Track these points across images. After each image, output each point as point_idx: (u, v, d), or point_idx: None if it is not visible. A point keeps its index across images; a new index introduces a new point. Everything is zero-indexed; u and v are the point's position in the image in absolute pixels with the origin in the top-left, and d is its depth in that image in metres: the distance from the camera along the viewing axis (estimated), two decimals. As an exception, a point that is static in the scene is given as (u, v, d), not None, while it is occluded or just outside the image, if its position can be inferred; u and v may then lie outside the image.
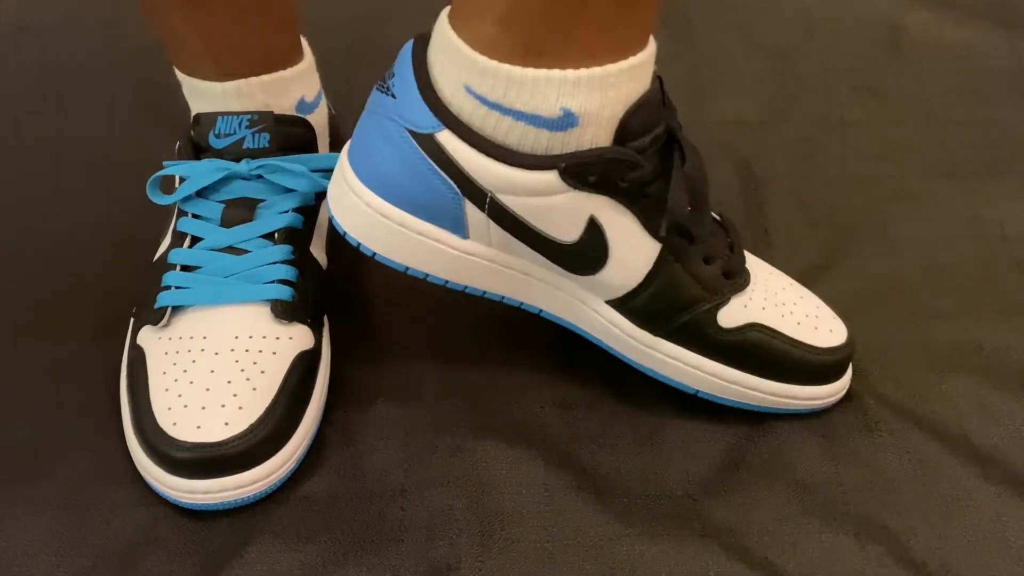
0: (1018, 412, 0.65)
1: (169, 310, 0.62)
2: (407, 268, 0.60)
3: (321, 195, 0.67)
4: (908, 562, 0.58)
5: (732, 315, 0.62)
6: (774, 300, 0.64)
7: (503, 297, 0.63)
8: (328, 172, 0.64)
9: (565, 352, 0.68)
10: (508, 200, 0.56)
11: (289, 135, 0.65)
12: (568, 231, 0.58)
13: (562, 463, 0.63)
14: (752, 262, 0.65)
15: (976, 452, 0.63)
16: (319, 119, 0.70)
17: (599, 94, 0.53)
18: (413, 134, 0.56)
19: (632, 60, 0.53)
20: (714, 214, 0.63)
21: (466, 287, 0.62)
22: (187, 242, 0.65)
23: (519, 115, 0.54)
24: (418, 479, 0.62)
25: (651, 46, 0.55)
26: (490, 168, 0.55)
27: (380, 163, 0.58)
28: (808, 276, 0.70)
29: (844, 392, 0.65)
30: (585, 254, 0.59)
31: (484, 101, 0.54)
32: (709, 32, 0.92)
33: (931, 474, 0.62)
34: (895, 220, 0.76)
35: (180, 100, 0.69)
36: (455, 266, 0.60)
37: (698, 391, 0.64)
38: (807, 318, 0.64)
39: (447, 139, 0.55)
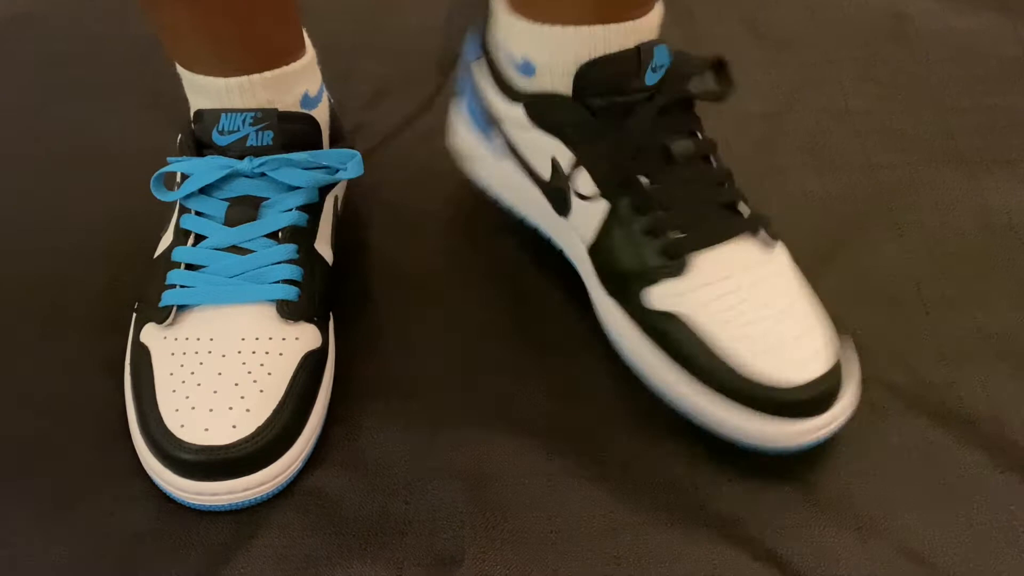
0: (1025, 399, 0.64)
1: (174, 309, 0.62)
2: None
3: (325, 191, 0.67)
4: (912, 552, 0.58)
5: (660, 297, 0.61)
6: (728, 304, 0.60)
7: (525, 217, 0.71)
8: (330, 169, 0.64)
9: (566, 343, 0.68)
10: (505, 130, 0.67)
11: (293, 132, 0.65)
12: (543, 168, 0.65)
13: (564, 454, 0.63)
14: (763, 264, 0.62)
15: (985, 440, 0.62)
16: (322, 113, 0.70)
17: (548, 49, 0.62)
18: (467, 65, 0.70)
19: (585, 28, 0.60)
20: (742, 205, 0.63)
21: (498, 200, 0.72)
22: (191, 240, 0.65)
23: (508, 55, 0.65)
24: (421, 472, 0.62)
25: (630, 21, 0.60)
26: (490, 95, 0.67)
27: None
28: (816, 265, 0.69)
29: (796, 443, 0.59)
30: (555, 195, 0.65)
31: (498, 42, 0.66)
32: (711, 21, 0.91)
33: (938, 463, 0.62)
34: (902, 208, 0.76)
35: (183, 91, 0.68)
36: (496, 176, 0.71)
37: (642, 376, 0.64)
38: (766, 337, 0.59)
39: (478, 67, 0.68)
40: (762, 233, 0.63)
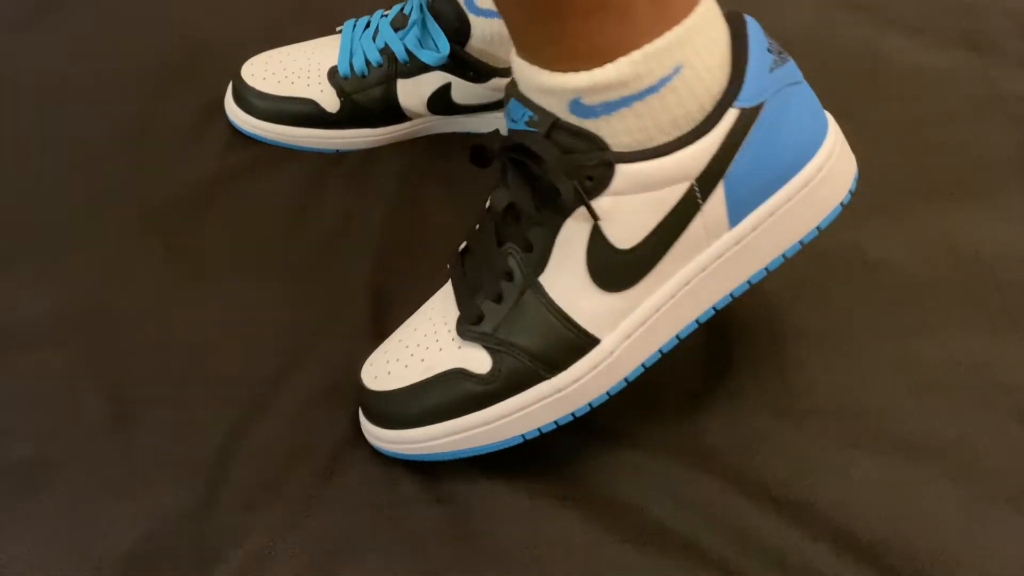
0: (995, 429, 0.66)
1: None
2: None
3: None
4: None
5: None
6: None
7: None
8: None
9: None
10: None
11: None
12: None
13: (546, 474, 0.64)
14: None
15: (953, 468, 0.64)
16: None
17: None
18: None
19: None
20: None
21: None
22: None
23: None
24: (405, 492, 0.63)
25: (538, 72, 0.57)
26: None
27: None
28: (789, 296, 0.71)
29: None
30: None
31: None
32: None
33: (909, 490, 0.63)
34: (874, 241, 0.77)
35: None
36: None
37: None
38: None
39: None
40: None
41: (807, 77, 0.65)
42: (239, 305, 0.74)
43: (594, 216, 0.58)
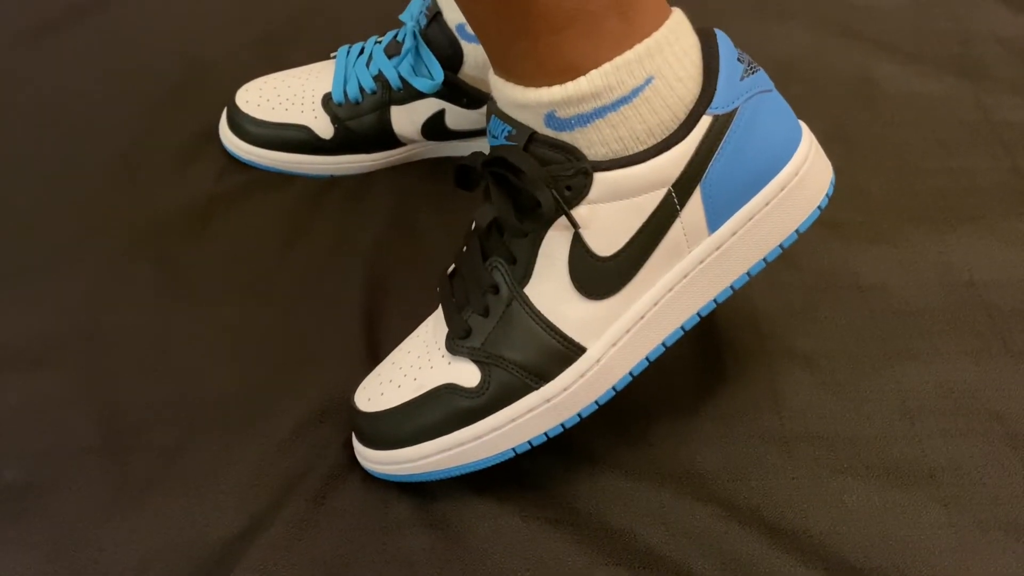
0: (988, 455, 0.66)
1: None
2: None
3: None
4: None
5: None
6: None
7: None
8: None
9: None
10: None
11: None
12: None
13: (539, 498, 0.64)
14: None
15: (946, 495, 0.64)
16: None
17: None
18: None
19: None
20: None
21: None
22: None
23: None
24: (397, 516, 0.63)
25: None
26: None
27: None
28: (782, 321, 0.71)
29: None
30: None
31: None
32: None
33: (901, 517, 0.63)
34: (867, 265, 0.77)
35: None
36: None
37: None
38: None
39: None
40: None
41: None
42: (232, 329, 0.74)
43: (574, 224, 0.59)
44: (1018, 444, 0.66)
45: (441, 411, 0.62)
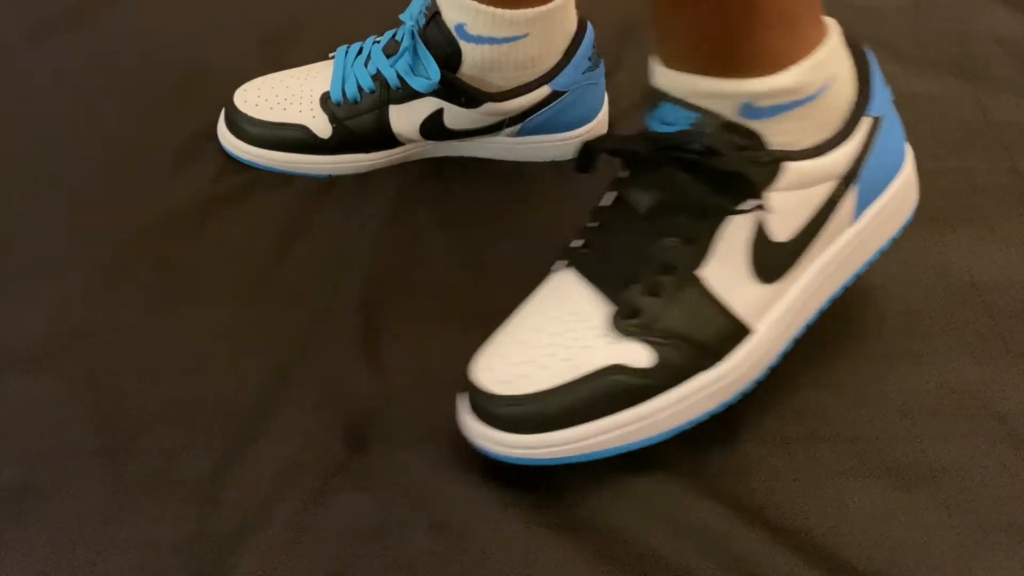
0: (990, 456, 0.66)
1: None
2: None
3: None
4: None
5: None
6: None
7: None
8: None
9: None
10: None
11: None
12: None
13: (540, 500, 0.64)
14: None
15: (948, 496, 0.64)
16: None
17: None
18: None
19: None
20: None
21: None
22: None
23: None
24: (397, 517, 0.63)
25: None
26: None
27: None
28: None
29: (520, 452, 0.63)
30: None
31: None
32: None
33: (903, 518, 0.63)
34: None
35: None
36: None
37: None
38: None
39: None
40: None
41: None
42: (230, 329, 0.74)
43: (765, 209, 0.62)
44: (1019, 445, 0.66)
45: (604, 392, 0.62)
